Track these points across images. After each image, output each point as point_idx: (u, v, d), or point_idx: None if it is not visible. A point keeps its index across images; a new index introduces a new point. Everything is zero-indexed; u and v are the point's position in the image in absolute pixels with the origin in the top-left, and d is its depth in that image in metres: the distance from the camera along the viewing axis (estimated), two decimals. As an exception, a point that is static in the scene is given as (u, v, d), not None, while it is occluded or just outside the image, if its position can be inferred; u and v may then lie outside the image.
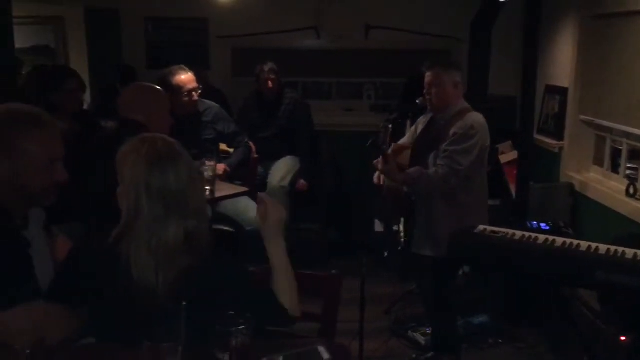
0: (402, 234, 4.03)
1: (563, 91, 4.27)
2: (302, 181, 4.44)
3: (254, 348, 1.41)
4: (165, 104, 2.71)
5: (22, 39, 4.83)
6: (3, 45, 3.37)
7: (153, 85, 2.80)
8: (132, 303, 1.52)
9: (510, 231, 2.64)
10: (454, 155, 2.85)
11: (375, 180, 3.26)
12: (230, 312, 1.42)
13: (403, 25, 5.05)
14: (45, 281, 1.72)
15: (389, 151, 3.11)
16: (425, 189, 2.93)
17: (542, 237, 2.57)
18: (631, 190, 3.44)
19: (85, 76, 4.51)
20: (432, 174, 2.88)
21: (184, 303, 1.35)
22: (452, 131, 2.90)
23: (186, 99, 3.41)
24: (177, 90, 3.37)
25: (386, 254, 4.39)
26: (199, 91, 3.50)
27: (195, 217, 1.59)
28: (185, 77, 3.42)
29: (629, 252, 2.36)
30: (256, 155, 4.14)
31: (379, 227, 4.84)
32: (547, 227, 3.72)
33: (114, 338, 1.52)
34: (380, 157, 3.00)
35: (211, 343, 1.39)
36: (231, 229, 3.65)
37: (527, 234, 2.60)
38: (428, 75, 3.04)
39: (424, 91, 3.08)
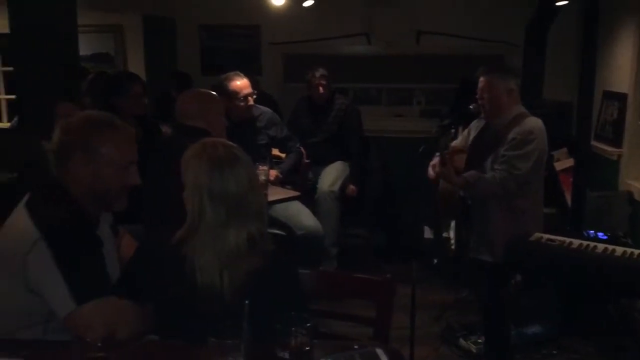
0: (452, 241, 4.01)
1: (622, 97, 4.14)
2: (351, 186, 4.45)
3: (313, 348, 1.44)
4: (221, 109, 2.77)
5: (83, 46, 5.04)
6: (69, 52, 3.54)
7: (209, 91, 2.87)
8: (196, 303, 1.57)
9: (568, 239, 2.60)
10: (513, 160, 2.82)
11: (431, 173, 3.23)
12: (291, 312, 1.45)
13: (455, 31, 5.01)
14: (112, 278, 1.80)
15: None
16: (482, 193, 2.91)
17: (600, 246, 2.52)
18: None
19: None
20: (489, 178, 2.85)
21: (246, 302, 1.39)
22: (510, 136, 2.87)
23: (242, 104, 3.48)
24: (233, 95, 3.44)
25: (435, 261, 4.36)
26: (254, 96, 3.57)
27: (257, 220, 1.63)
28: (241, 83, 3.50)
29: (694, 263, 2.29)
30: (307, 161, 4.18)
31: (428, 233, 4.81)
32: (605, 237, 3.60)
33: (177, 336, 1.57)
34: (438, 158, 2.99)
35: (272, 341, 1.42)
36: (283, 233, 3.69)
37: (585, 243, 2.55)
38: (481, 81, 3.01)
39: (477, 97, 3.05)
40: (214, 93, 2.83)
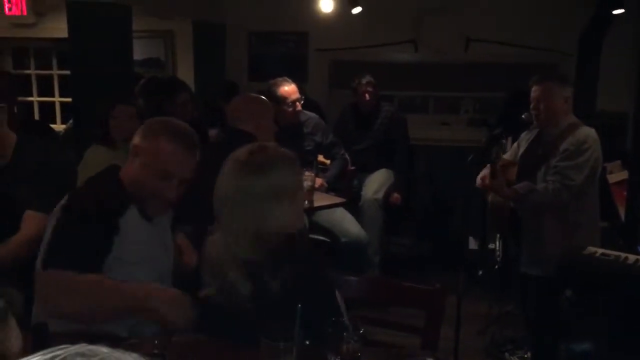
0: (498, 253, 3.92)
1: (681, 108, 3.99)
2: (395, 194, 4.41)
3: (364, 354, 1.42)
4: (271, 114, 2.80)
5: (136, 51, 5.17)
6: (124, 57, 3.64)
7: (259, 96, 2.90)
8: (248, 304, 1.58)
9: (623, 254, 2.51)
10: (566, 171, 2.74)
11: (479, 182, 3.18)
12: (344, 319, 1.44)
13: (504, 38, 4.92)
14: (161, 270, 1.84)
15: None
16: (534, 205, 2.83)
17: (659, 263, 2.42)
18: None
19: (191, 87, 4.75)
20: (541, 189, 2.79)
21: (299, 306, 1.39)
22: (562, 147, 2.80)
23: (290, 109, 3.51)
24: (281, 100, 3.48)
25: (480, 273, 4.28)
26: (302, 102, 3.60)
27: (297, 224, 1.63)
28: (289, 88, 3.53)
29: None
30: (352, 167, 4.18)
31: (473, 244, 4.73)
32: (660, 253, 3.48)
33: (228, 336, 1.58)
34: (488, 170, 2.94)
35: (324, 346, 1.42)
36: (327, 239, 3.69)
37: (641, 259, 2.46)
38: (536, 89, 2.94)
39: (531, 106, 2.98)
40: (264, 98, 2.86)
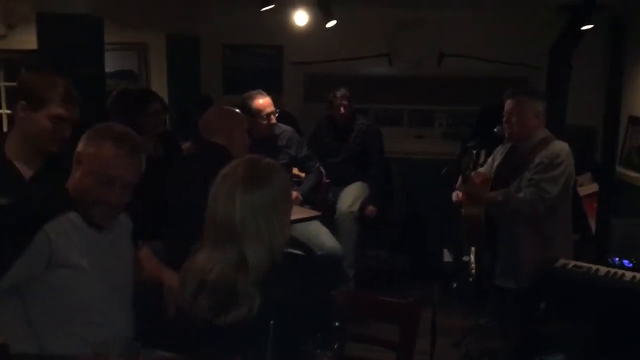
0: (472, 265, 3.94)
1: (648, 122, 4.09)
2: (370, 207, 4.42)
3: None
4: (244, 127, 2.77)
5: (107, 63, 5.10)
6: (96, 69, 3.58)
7: (232, 109, 2.88)
8: (217, 320, 1.54)
9: (594, 266, 2.54)
10: (541, 183, 2.77)
11: (455, 197, 3.20)
12: (317, 335, 1.42)
13: (477, 53, 4.99)
14: (115, 282, 1.80)
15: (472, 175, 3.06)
16: (511, 213, 2.84)
17: (628, 274, 2.47)
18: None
19: (165, 100, 4.70)
20: (519, 198, 2.81)
21: (271, 322, 1.36)
22: (537, 160, 2.83)
23: (264, 122, 3.49)
24: (256, 113, 3.46)
25: (455, 285, 4.29)
26: (276, 115, 3.58)
27: (280, 239, 1.61)
28: (264, 101, 3.51)
29: None
30: (327, 180, 4.17)
31: (447, 256, 4.74)
32: (630, 264, 3.53)
33: (198, 354, 1.55)
34: (460, 179, 2.94)
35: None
36: (301, 253, 3.66)
37: (612, 270, 2.50)
38: (509, 103, 2.97)
39: (504, 119, 3.01)
40: (237, 110, 2.84)
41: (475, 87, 5.23)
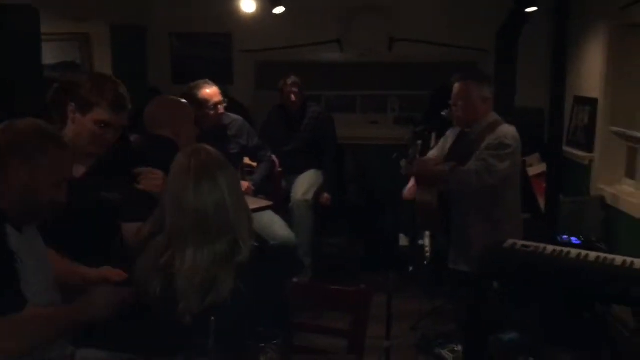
0: (427, 249, 3.98)
1: (592, 102, 4.18)
2: (325, 195, 4.40)
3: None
4: (190, 117, 2.70)
5: (49, 55, 4.91)
6: (33, 61, 3.43)
7: (177, 99, 2.80)
8: (167, 316, 1.50)
9: (542, 245, 2.58)
10: (489, 159, 2.80)
11: (406, 194, 3.22)
12: (260, 328, 1.39)
13: (427, 38, 5.02)
14: (50, 277, 1.73)
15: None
16: (460, 185, 2.86)
17: (574, 252, 2.51)
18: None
19: (111, 91, 4.55)
20: (465, 169, 2.83)
21: (212, 318, 1.33)
22: (485, 143, 2.86)
23: (212, 112, 3.42)
24: (203, 103, 3.38)
25: (411, 269, 4.33)
26: (224, 104, 3.51)
27: (234, 232, 1.57)
28: (211, 91, 3.43)
29: (668, 267, 2.29)
30: (279, 169, 4.13)
31: (404, 241, 4.78)
32: (578, 242, 3.63)
33: (145, 351, 1.51)
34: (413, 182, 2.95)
35: (241, 358, 1.37)
36: (255, 243, 3.62)
37: (558, 249, 2.54)
38: (456, 87, 2.99)
39: (451, 103, 3.03)
40: (182, 100, 2.76)
41: (427, 72, 5.26)
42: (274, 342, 1.38)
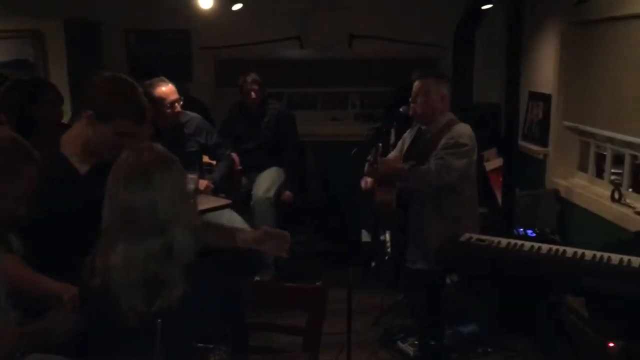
0: (388, 244, 4.01)
1: (546, 97, 4.28)
2: (287, 192, 4.40)
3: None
4: None
5: (1, 52, 4.77)
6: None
7: None
8: (110, 319, 1.47)
9: (496, 239, 2.63)
10: (447, 157, 2.85)
11: (363, 185, 3.23)
12: (209, 329, 1.38)
13: (387, 34, 5.04)
14: None
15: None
16: (419, 183, 2.88)
17: (527, 244, 2.56)
18: (616, 195, 3.45)
19: (65, 90, 4.43)
20: (425, 167, 2.86)
21: (159, 320, 1.31)
22: (442, 142, 2.90)
23: (168, 110, 3.37)
24: (158, 102, 3.32)
25: (373, 264, 4.36)
26: (181, 102, 3.46)
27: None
28: (167, 89, 3.38)
29: (615, 258, 2.36)
30: (239, 167, 4.10)
31: (366, 237, 4.81)
32: (534, 234, 3.71)
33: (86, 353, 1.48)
34: (367, 166, 2.97)
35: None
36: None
37: (512, 242, 2.59)
38: (416, 85, 3.03)
39: (410, 100, 3.07)
40: None
41: (387, 68, 5.29)
42: (224, 342, 1.37)
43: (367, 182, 3.21)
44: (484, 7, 4.10)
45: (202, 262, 1.57)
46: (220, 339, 1.38)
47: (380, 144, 3.12)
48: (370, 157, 3.00)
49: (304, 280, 2.10)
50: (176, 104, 3.41)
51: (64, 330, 1.53)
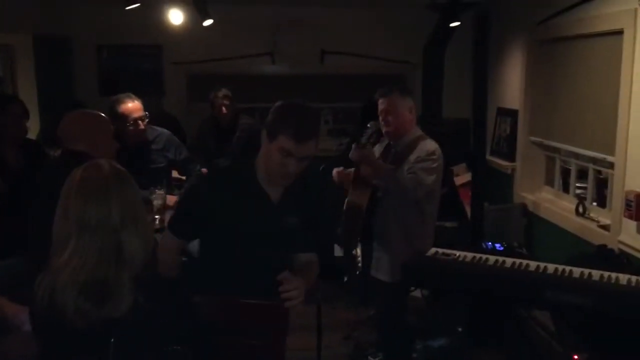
0: (359, 258, 4.01)
1: (513, 113, 4.35)
2: (258, 207, 4.37)
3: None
4: (107, 130, 2.60)
5: (-32, 67, 4.70)
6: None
7: (93, 112, 2.70)
8: (64, 338, 1.45)
9: (462, 253, 2.65)
10: (420, 173, 2.84)
11: (335, 175, 3.20)
12: (164, 349, 1.36)
13: (358, 51, 5.10)
14: None
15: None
16: (398, 186, 2.88)
17: (492, 259, 2.59)
18: (580, 209, 3.51)
19: (33, 105, 4.39)
20: (406, 176, 2.87)
21: (112, 340, 1.29)
22: (413, 156, 2.90)
23: (131, 127, 3.31)
24: (123, 119, 3.28)
25: (346, 279, 4.35)
26: (146, 120, 3.41)
27: (128, 238, 1.53)
28: (132, 106, 3.33)
29: (576, 271, 2.40)
30: (210, 183, 4.07)
31: (338, 251, 4.80)
32: (502, 248, 3.75)
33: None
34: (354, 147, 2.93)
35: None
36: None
37: (477, 256, 2.62)
38: (382, 102, 3.00)
39: (380, 118, 3.05)
40: (99, 114, 2.66)
41: (359, 84, 5.34)
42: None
43: (339, 173, 3.17)
44: (452, 25, 4.16)
45: (153, 276, 1.56)
46: (177, 358, 1.36)
47: (373, 125, 3.07)
48: (364, 137, 2.96)
49: (277, 296, 2.09)
50: (140, 122, 3.36)
51: (18, 354, 1.50)
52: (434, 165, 2.90)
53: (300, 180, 2.05)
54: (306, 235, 2.13)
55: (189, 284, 2.10)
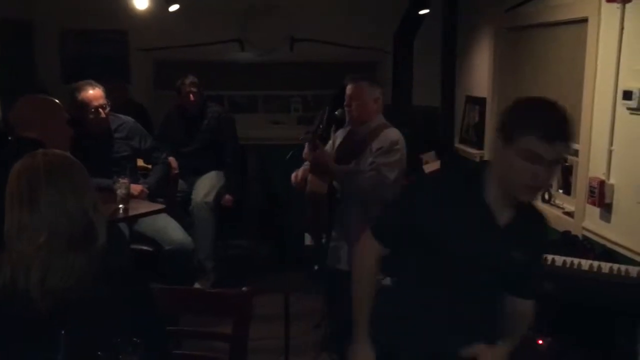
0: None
1: (482, 101, 4.37)
2: (227, 196, 4.34)
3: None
4: (60, 116, 2.52)
5: None
6: None
7: (45, 97, 2.61)
8: (16, 328, 1.40)
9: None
10: (382, 169, 2.86)
11: (293, 179, 3.21)
12: (117, 338, 1.32)
13: (328, 38, 5.06)
14: None
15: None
16: (356, 187, 2.88)
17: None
18: (546, 196, 3.54)
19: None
20: (366, 175, 2.87)
21: (62, 332, 1.25)
22: (375, 145, 2.91)
23: (92, 116, 3.23)
24: (83, 107, 3.19)
25: (316, 268, 4.34)
26: (107, 108, 3.33)
27: (84, 238, 1.49)
28: (93, 93, 3.24)
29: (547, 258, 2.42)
30: (176, 171, 4.02)
31: (308, 240, 4.79)
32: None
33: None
34: (301, 170, 2.93)
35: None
36: (150, 248, 3.50)
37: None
38: (349, 88, 3.05)
39: (345, 104, 3.08)
40: (50, 99, 2.57)
41: (329, 72, 5.29)
42: (133, 352, 1.31)
43: (297, 176, 3.18)
44: (421, 12, 4.16)
45: (112, 260, 1.52)
46: (129, 349, 1.32)
47: (328, 108, 3.08)
48: (315, 123, 2.95)
49: (245, 285, 2.06)
50: (100, 110, 3.27)
51: None
52: (397, 156, 2.92)
53: (533, 206, 1.74)
54: (528, 275, 1.78)
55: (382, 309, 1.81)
